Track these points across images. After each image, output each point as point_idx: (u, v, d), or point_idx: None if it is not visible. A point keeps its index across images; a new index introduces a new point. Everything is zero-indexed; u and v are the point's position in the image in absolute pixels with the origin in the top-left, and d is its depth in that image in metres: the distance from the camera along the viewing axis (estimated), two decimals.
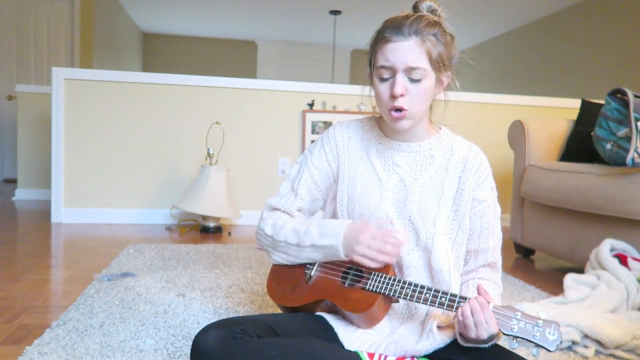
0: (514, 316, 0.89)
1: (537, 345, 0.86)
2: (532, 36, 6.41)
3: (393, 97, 0.99)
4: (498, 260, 1.14)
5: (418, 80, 0.99)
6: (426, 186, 1.08)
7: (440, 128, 1.15)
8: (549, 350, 0.85)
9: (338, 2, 6.05)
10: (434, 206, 1.07)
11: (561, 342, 1.34)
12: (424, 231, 1.06)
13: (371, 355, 0.97)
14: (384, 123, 1.13)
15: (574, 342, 1.36)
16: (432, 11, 1.04)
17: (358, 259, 1.01)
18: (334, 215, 1.17)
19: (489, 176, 1.11)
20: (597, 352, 1.34)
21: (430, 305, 0.96)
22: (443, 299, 0.95)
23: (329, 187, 1.18)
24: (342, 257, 1.05)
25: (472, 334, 0.90)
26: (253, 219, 3.23)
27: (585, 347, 1.35)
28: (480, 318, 0.89)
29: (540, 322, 0.87)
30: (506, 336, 0.90)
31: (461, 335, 0.95)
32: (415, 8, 1.05)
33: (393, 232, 1.02)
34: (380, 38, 1.01)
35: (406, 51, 0.97)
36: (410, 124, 1.04)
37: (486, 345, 0.94)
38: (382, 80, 1.02)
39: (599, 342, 1.35)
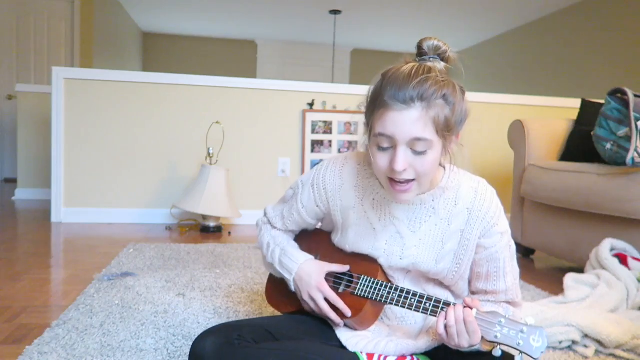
0: (497, 323, 0.86)
1: (521, 352, 0.84)
2: (532, 36, 6.41)
3: (393, 170, 0.88)
4: (515, 297, 1.04)
5: (423, 152, 0.87)
6: (425, 240, 1.00)
7: (444, 168, 1.01)
8: (533, 358, 0.83)
9: (338, 2, 6.04)
10: (432, 261, 1.00)
11: (547, 348, 1.34)
12: (423, 282, 1.06)
13: (370, 356, 0.97)
14: None
15: (574, 342, 1.36)
16: (440, 53, 0.91)
17: (305, 303, 1.07)
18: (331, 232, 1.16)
19: (498, 222, 0.99)
20: (597, 352, 1.34)
21: (415, 310, 0.96)
22: (427, 305, 0.94)
23: (320, 219, 1.16)
24: (292, 290, 1.09)
25: (453, 343, 0.89)
26: (253, 218, 3.23)
27: (586, 346, 1.35)
28: (462, 328, 0.87)
29: (525, 328, 0.84)
30: (489, 343, 0.89)
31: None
32: (420, 49, 0.92)
33: (339, 302, 1.03)
34: (380, 102, 0.87)
35: (409, 123, 0.84)
36: (414, 195, 0.94)
37: (467, 350, 0.91)
38: (381, 149, 0.89)
39: (599, 342, 1.35)
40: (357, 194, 1.04)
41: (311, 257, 1.10)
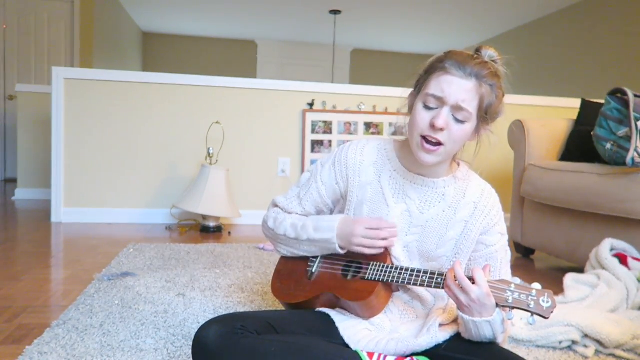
0: (508, 288, 0.92)
1: (533, 314, 0.89)
2: (532, 36, 6.41)
3: (432, 127, 0.97)
4: None
5: (461, 122, 0.98)
6: (431, 223, 1.08)
7: (458, 164, 1.13)
8: (545, 317, 0.88)
9: (338, 2, 6.05)
10: (433, 244, 1.09)
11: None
12: (418, 264, 1.10)
13: (371, 355, 0.97)
14: (405, 153, 1.10)
15: (574, 342, 1.36)
16: (493, 60, 1.02)
17: (356, 249, 1.07)
18: None
19: (499, 222, 1.10)
20: (597, 352, 1.34)
21: (427, 287, 1.00)
22: (439, 280, 0.99)
23: (336, 202, 1.20)
24: (338, 250, 1.10)
25: (475, 311, 0.93)
26: (253, 218, 3.23)
27: (585, 346, 1.35)
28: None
29: (534, 291, 0.90)
30: (502, 308, 0.94)
31: (465, 319, 0.96)
32: (477, 52, 1.03)
33: (384, 219, 1.06)
34: (440, 67, 0.98)
35: (462, 89, 0.96)
36: (437, 160, 1.02)
37: (489, 318, 0.93)
38: (427, 107, 0.99)
39: (599, 342, 1.35)
40: (375, 170, 1.12)
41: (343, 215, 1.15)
